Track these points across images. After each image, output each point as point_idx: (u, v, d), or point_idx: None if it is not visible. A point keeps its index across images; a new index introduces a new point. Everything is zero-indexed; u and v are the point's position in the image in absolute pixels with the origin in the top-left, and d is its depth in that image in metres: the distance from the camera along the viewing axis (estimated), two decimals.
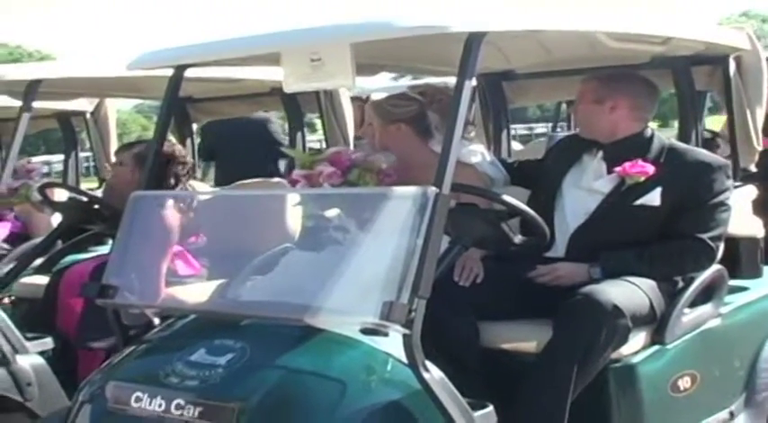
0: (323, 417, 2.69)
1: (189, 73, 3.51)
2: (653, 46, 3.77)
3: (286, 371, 2.83)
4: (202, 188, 5.43)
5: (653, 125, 3.85)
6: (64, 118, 6.96)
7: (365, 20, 3.01)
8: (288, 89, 3.28)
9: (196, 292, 3.82)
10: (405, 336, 2.64)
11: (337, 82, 3.62)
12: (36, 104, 4.91)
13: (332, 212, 3.23)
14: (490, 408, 2.86)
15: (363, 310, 2.70)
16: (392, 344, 2.74)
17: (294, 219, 4.06)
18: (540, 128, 19.68)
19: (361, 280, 2.85)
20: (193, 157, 6.29)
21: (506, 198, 3.24)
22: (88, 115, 6.74)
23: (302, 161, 3.59)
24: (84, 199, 4.98)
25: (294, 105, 5.87)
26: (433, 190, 2.69)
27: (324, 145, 6.08)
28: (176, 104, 5.39)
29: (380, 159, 3.61)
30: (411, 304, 2.61)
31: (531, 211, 3.28)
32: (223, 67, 4.81)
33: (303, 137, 5.88)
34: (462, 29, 2.80)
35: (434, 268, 2.70)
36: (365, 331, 2.72)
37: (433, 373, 2.71)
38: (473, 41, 2.80)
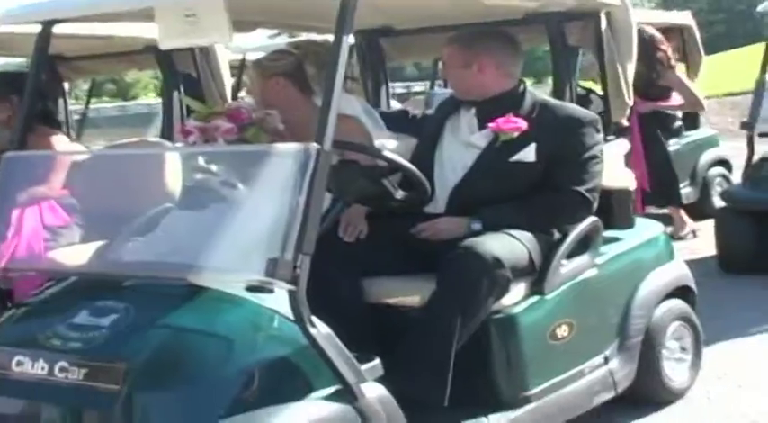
0: (210, 374, 2.68)
1: (59, 29, 3.41)
2: (526, 1, 3.82)
3: (172, 330, 2.81)
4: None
5: (527, 82, 3.90)
6: None
7: None
8: (163, 46, 3.22)
9: (76, 254, 3.75)
10: (290, 292, 2.64)
11: (213, 38, 3.58)
12: None
13: (213, 169, 3.19)
14: (377, 360, 2.89)
15: (248, 268, 2.69)
16: (278, 301, 2.74)
17: (174, 178, 4.00)
18: (418, 86, 19.75)
19: (244, 238, 2.84)
20: (66, 118, 6.11)
21: (387, 154, 3.26)
22: None
23: (199, 113, 3.54)
24: None
25: (169, 63, 5.75)
26: (314, 146, 2.69)
27: None
28: (46, 62, 5.23)
29: (276, 119, 3.58)
30: (296, 261, 2.62)
31: (412, 167, 3.31)
32: (95, 24, 4.67)
33: (180, 94, 5.76)
34: None
35: (318, 225, 2.70)
36: (250, 289, 2.72)
37: (320, 329, 2.73)
38: None
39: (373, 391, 2.84)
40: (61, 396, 2.73)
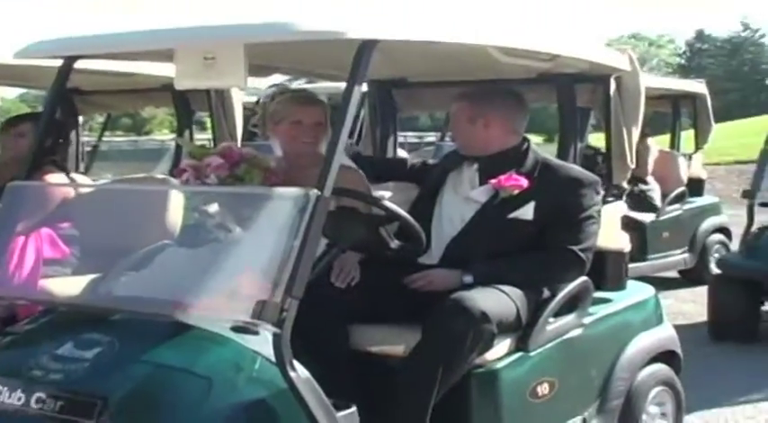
0: (187, 413, 2.69)
1: (79, 64, 3.48)
2: (541, 62, 3.87)
3: (152, 366, 2.82)
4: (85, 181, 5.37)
5: (538, 140, 3.95)
6: None
7: (260, 21, 3.03)
8: (179, 86, 3.27)
9: (68, 285, 3.79)
10: (275, 335, 2.67)
11: (229, 81, 3.64)
12: None
13: (212, 210, 3.24)
14: (353, 408, 2.91)
15: (235, 308, 2.73)
16: (261, 343, 2.76)
17: (175, 216, 4.06)
18: (431, 137, 19.89)
19: (235, 278, 2.87)
20: (77, 150, 6.21)
21: (386, 203, 3.31)
22: None
23: (192, 152, 3.61)
24: None
25: (184, 103, 5.84)
26: (314, 192, 2.73)
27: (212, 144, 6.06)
28: (63, 96, 5.32)
29: (269, 158, 3.65)
30: (283, 304, 2.65)
31: (409, 217, 3.35)
32: (113, 61, 4.76)
33: (191, 134, 5.85)
34: (356, 35, 2.86)
35: (309, 269, 2.74)
36: (236, 329, 2.74)
37: (300, 373, 2.75)
38: (365, 48, 2.86)
39: None
40: None
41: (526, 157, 3.73)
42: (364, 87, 4.71)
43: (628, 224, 7.90)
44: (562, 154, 4.11)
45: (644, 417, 4.00)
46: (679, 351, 4.28)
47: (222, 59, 3.02)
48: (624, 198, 7.94)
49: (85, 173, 6.75)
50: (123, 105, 6.47)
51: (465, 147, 3.85)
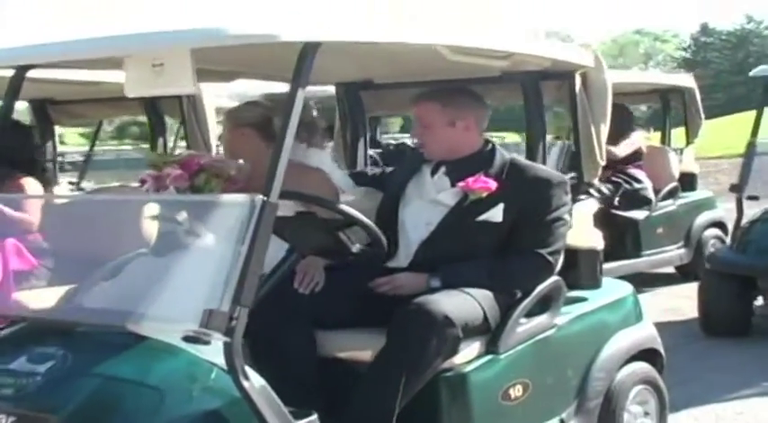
0: None
1: (48, 74, 3.47)
2: (496, 61, 3.80)
3: (105, 379, 2.78)
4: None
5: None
6: None
7: (203, 26, 2.99)
8: (129, 94, 3.22)
9: (39, 297, 3.77)
10: (225, 343, 2.62)
11: (179, 88, 3.57)
12: None
13: (166, 219, 3.20)
14: (314, 416, 2.85)
15: (184, 318, 2.67)
16: (214, 352, 2.71)
17: (140, 227, 4.01)
18: (406, 139, 19.93)
19: (185, 287, 2.83)
20: (53, 160, 6.19)
21: (343, 207, 3.24)
22: None
23: (152, 162, 3.57)
24: None
25: (156, 110, 5.82)
26: (259, 198, 2.68)
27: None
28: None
29: (230, 166, 3.60)
30: (232, 312, 2.59)
31: (368, 221, 3.29)
32: (85, 70, 4.72)
33: (165, 142, 5.81)
34: (297, 38, 2.82)
35: (258, 276, 2.68)
36: (187, 339, 2.68)
37: (254, 381, 2.70)
38: (307, 51, 2.82)
39: None
40: None
41: (493, 157, 3.66)
42: (332, 90, 4.74)
43: (621, 222, 7.89)
44: (530, 153, 4.02)
45: (625, 416, 3.92)
46: (661, 349, 4.19)
47: (170, 66, 2.97)
48: (617, 198, 7.96)
49: (79, 183, 6.76)
50: (97, 114, 6.47)
51: (436, 151, 3.73)
